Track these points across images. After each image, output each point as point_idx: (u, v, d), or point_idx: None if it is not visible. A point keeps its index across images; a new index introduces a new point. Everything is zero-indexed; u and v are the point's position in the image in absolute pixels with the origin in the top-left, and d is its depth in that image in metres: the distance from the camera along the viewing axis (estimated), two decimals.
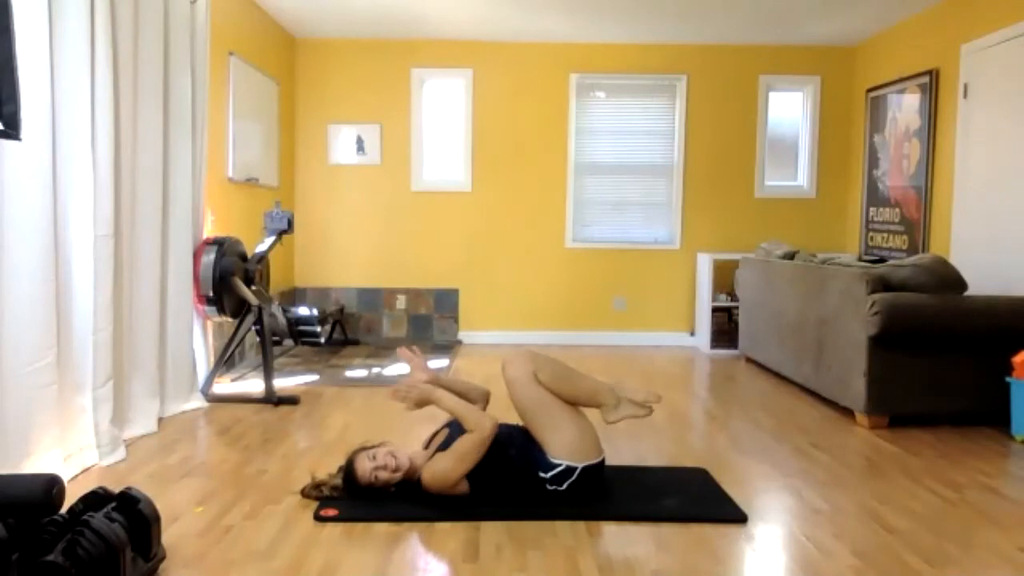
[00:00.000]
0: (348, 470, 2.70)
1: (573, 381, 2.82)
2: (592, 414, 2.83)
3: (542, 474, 2.67)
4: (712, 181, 6.43)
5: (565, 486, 2.66)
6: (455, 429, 2.75)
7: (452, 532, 2.49)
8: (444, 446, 2.73)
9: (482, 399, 3.03)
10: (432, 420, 3.08)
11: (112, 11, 3.26)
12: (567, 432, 2.69)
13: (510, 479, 2.68)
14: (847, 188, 6.45)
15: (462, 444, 2.63)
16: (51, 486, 1.95)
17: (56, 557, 1.81)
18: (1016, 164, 4.42)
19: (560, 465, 2.66)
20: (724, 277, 6.22)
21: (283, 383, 4.61)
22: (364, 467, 2.68)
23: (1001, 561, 2.35)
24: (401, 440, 3.18)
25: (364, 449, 2.76)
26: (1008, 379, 3.70)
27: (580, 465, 2.67)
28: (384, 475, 2.66)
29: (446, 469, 2.63)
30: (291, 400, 4.18)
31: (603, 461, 2.76)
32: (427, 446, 2.89)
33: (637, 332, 6.48)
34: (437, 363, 5.44)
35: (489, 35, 6.15)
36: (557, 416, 2.70)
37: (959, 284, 3.89)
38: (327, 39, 6.33)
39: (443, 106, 6.43)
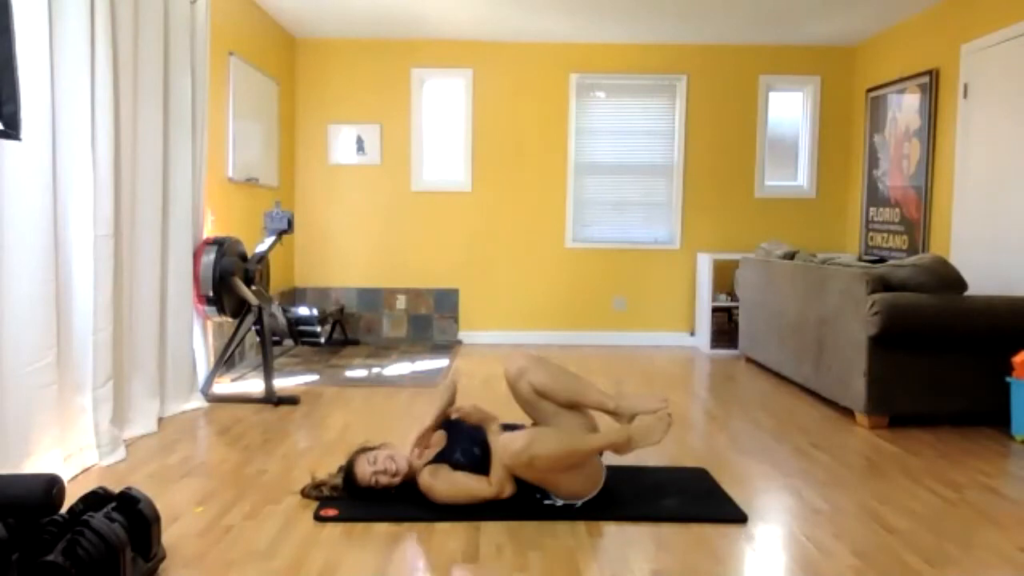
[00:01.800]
0: (348, 473, 2.70)
1: (574, 437, 2.69)
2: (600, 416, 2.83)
3: (539, 496, 2.66)
4: (712, 181, 6.43)
5: (563, 508, 2.67)
6: (458, 436, 2.74)
7: (452, 532, 2.49)
8: (446, 456, 2.71)
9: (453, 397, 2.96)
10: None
11: (112, 11, 3.26)
12: (572, 486, 2.66)
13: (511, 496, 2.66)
14: (847, 188, 6.45)
15: (468, 488, 2.62)
16: (51, 486, 1.95)
17: (56, 557, 1.81)
18: (1016, 164, 4.42)
19: (560, 501, 2.66)
20: (724, 277, 6.22)
21: (283, 383, 4.61)
22: (364, 471, 2.67)
23: (1001, 561, 2.35)
24: (401, 441, 3.17)
25: (364, 451, 2.76)
26: (1008, 379, 3.70)
27: (580, 502, 2.67)
28: (384, 479, 2.65)
29: (440, 494, 2.62)
30: (291, 400, 4.17)
31: (604, 486, 2.73)
32: (418, 445, 2.78)
33: (637, 332, 6.48)
34: (437, 363, 5.44)
35: (489, 35, 6.15)
36: (562, 477, 2.64)
37: (959, 284, 3.89)
38: (327, 39, 6.33)
39: (443, 106, 6.43)
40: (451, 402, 2.88)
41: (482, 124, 6.38)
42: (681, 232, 6.45)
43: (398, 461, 2.68)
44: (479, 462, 2.67)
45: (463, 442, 2.73)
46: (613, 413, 2.81)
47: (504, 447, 2.54)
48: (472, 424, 2.75)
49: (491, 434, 2.70)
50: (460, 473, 2.66)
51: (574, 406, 2.80)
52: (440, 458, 2.72)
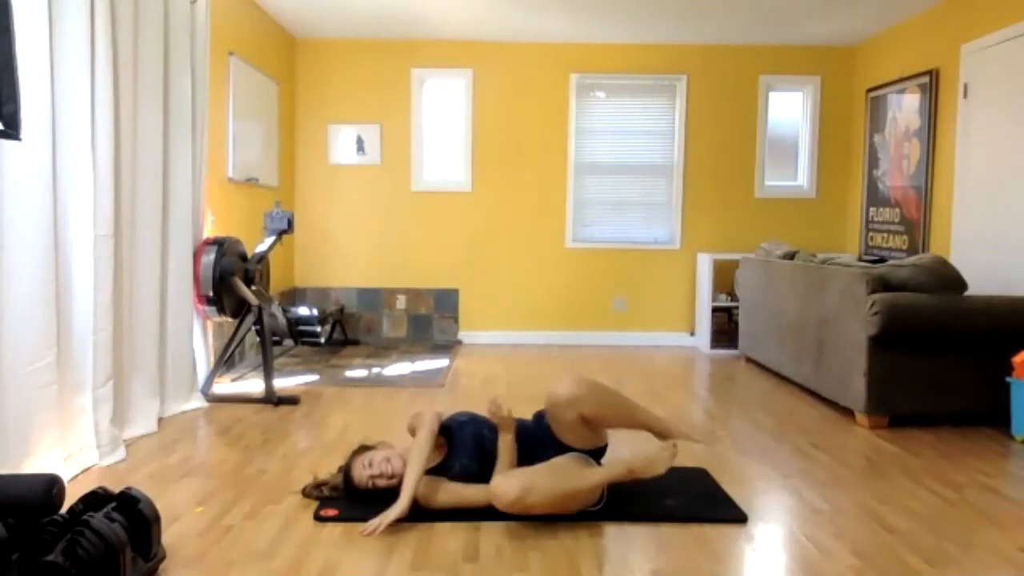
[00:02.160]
0: (346, 475, 2.70)
1: (571, 476, 2.62)
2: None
3: None
4: (712, 181, 6.43)
5: None
6: (459, 449, 2.72)
7: (452, 532, 2.49)
8: (444, 469, 2.70)
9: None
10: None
11: (112, 11, 3.26)
12: (570, 511, 2.63)
13: None
14: (847, 188, 6.45)
15: (466, 497, 2.61)
16: (51, 486, 1.95)
17: (56, 557, 1.81)
18: (1016, 164, 4.42)
19: None
20: (724, 277, 6.22)
21: (283, 383, 4.61)
22: (360, 476, 2.66)
23: (1001, 561, 2.35)
24: (401, 440, 3.17)
25: (362, 452, 2.74)
26: (1008, 379, 3.70)
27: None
28: (382, 483, 2.63)
29: (438, 505, 2.61)
30: (291, 400, 4.18)
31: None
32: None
33: (637, 332, 6.48)
34: (437, 363, 5.44)
35: (489, 35, 6.15)
36: (559, 510, 2.61)
37: (959, 284, 3.89)
38: (327, 39, 6.33)
39: (443, 106, 6.43)
40: (432, 456, 2.70)
41: (482, 124, 6.38)
42: (681, 232, 6.45)
43: (394, 463, 2.66)
44: (477, 479, 2.66)
45: (463, 456, 2.70)
46: (658, 435, 2.83)
47: (498, 496, 2.48)
48: (493, 419, 2.71)
49: (502, 442, 2.70)
50: (458, 484, 2.65)
51: (611, 427, 2.80)
52: (438, 470, 2.71)
